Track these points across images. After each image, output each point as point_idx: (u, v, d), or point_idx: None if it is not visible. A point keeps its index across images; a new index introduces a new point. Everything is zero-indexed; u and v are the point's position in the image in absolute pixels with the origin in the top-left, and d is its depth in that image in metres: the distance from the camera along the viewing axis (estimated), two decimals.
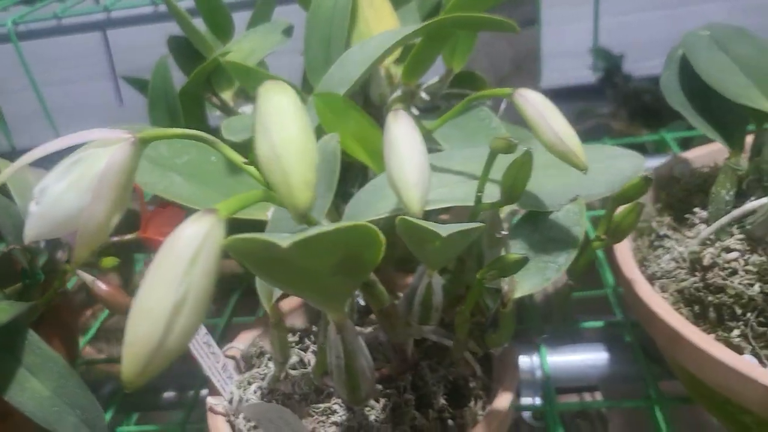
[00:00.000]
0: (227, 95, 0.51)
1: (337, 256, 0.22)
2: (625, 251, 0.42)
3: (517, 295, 0.33)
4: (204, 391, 0.49)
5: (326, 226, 0.18)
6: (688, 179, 0.46)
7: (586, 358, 0.48)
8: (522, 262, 0.29)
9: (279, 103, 0.19)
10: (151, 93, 0.50)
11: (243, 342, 0.41)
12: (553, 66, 0.88)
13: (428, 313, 0.34)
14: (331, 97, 0.34)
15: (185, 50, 0.54)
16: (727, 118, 0.41)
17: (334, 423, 0.35)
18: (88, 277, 0.35)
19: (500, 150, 0.26)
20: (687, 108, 0.42)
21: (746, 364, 0.32)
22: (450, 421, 0.36)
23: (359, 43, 0.40)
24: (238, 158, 0.24)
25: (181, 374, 0.51)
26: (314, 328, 0.42)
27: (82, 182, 0.24)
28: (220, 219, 0.20)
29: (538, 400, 0.47)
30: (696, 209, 0.41)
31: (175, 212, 0.38)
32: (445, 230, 0.24)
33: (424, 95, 0.45)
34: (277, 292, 0.34)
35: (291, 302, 0.43)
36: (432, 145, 0.38)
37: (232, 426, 0.36)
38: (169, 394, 0.50)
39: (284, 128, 0.18)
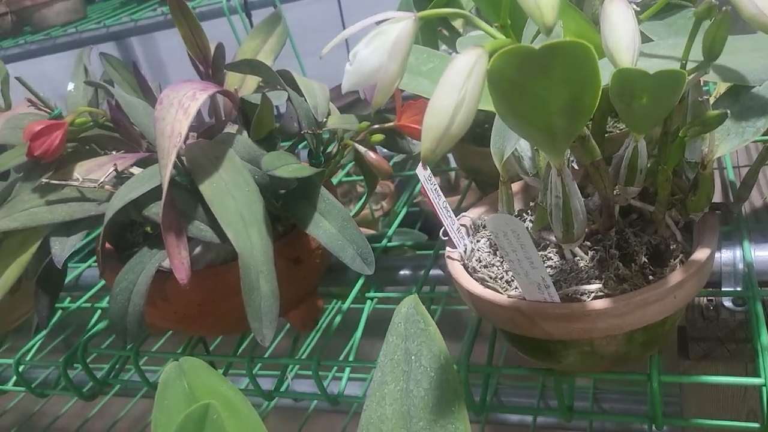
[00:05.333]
0: (458, 23, 0.60)
1: (566, 87, 0.30)
2: None
3: (717, 155, 0.38)
4: (433, 271, 0.60)
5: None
6: None
7: None
8: (722, 117, 0.34)
9: None
10: None
11: (472, 214, 0.50)
12: None
13: (633, 175, 0.40)
14: None
15: None
16: None
17: (550, 266, 0.43)
18: (361, 148, 0.46)
19: (703, 14, 0.32)
20: None
21: None
22: (651, 277, 0.42)
23: None
24: (488, 27, 0.33)
25: (414, 258, 0.62)
26: (530, 205, 0.50)
27: (381, 47, 0.34)
28: (485, 50, 0.29)
29: (739, 290, 0.50)
30: None
31: (422, 105, 0.48)
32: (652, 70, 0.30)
33: (635, 7, 0.50)
34: (507, 152, 0.43)
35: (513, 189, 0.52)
36: (643, 39, 0.43)
37: (466, 267, 0.45)
38: (404, 272, 0.61)
39: None
